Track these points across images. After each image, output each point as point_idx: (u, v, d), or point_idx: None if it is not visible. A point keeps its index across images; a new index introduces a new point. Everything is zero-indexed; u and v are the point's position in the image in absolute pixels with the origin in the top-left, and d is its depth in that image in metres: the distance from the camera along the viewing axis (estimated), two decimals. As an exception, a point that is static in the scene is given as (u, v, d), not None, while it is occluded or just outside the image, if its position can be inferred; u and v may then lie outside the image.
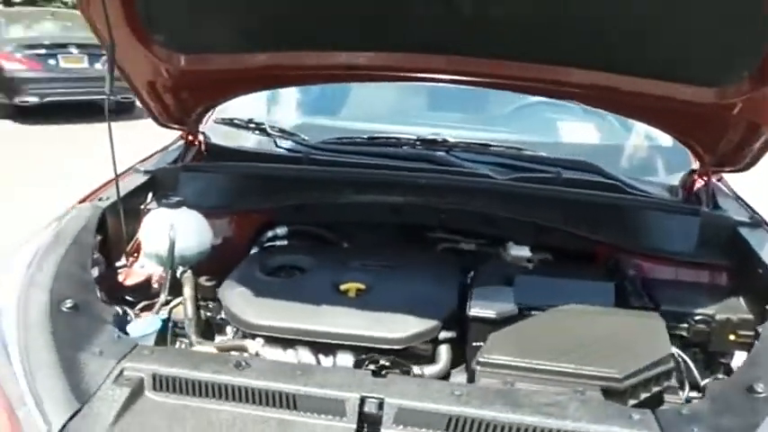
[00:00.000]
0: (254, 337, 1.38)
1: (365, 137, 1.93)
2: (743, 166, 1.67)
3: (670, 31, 1.35)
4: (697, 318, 1.39)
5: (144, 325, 1.32)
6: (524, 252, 1.70)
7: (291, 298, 1.42)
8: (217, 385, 1.08)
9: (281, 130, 1.97)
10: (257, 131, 1.99)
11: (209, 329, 1.53)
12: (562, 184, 1.72)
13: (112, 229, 1.61)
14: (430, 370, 1.34)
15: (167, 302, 1.51)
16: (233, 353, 1.36)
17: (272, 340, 1.37)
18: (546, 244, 1.72)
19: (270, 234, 1.85)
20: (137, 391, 1.06)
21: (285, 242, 1.85)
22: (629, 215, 1.69)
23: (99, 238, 1.53)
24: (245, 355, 1.34)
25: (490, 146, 1.87)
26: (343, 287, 1.51)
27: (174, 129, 1.96)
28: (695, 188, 1.76)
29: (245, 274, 1.54)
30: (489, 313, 1.32)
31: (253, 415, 1.05)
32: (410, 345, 1.34)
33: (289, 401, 1.06)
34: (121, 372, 1.08)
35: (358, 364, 1.32)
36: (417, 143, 1.88)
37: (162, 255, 1.58)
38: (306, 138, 1.95)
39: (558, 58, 1.50)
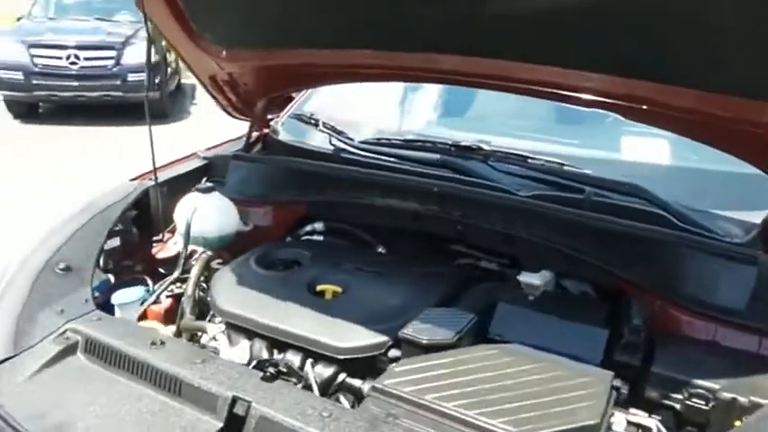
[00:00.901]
0: (215, 319, 1.45)
1: (403, 139, 1.86)
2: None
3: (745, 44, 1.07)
4: (694, 390, 1.11)
5: (127, 294, 1.47)
6: (534, 280, 1.49)
7: (267, 291, 1.45)
8: (129, 359, 1.16)
9: (330, 127, 2.00)
10: (317, 127, 2.06)
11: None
12: (590, 207, 1.48)
13: (155, 207, 1.82)
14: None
15: (180, 280, 1.66)
16: (203, 335, 1.45)
17: (233, 327, 1.42)
18: (566, 273, 1.50)
19: (308, 228, 1.91)
20: (68, 351, 1.20)
21: (321, 237, 1.90)
22: (663, 252, 1.38)
23: (134, 212, 1.74)
24: (206, 337, 1.42)
25: (528, 158, 1.67)
26: (320, 287, 1.50)
27: (242, 120, 2.11)
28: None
29: (241, 262, 1.62)
30: (420, 337, 1.20)
31: (146, 393, 1.11)
32: (353, 356, 1.28)
33: (176, 387, 1.10)
34: (65, 332, 1.23)
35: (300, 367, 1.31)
36: (452, 149, 1.76)
37: (198, 234, 1.73)
38: (350, 136, 1.95)
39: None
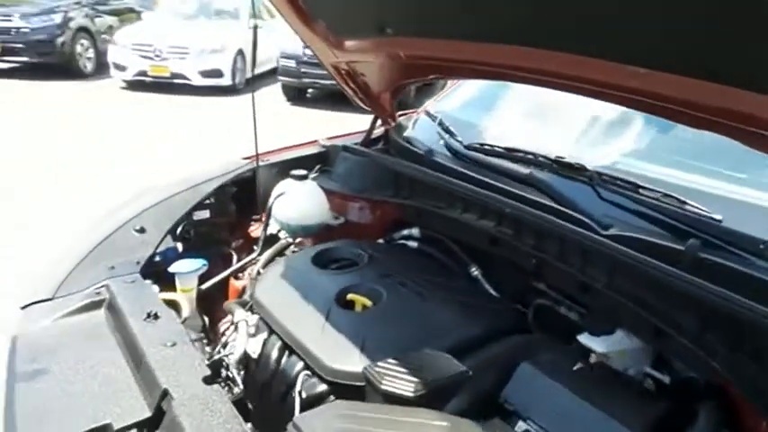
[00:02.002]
0: (250, 307, 1.43)
1: (505, 147, 1.57)
2: None
3: None
4: None
5: (185, 265, 1.53)
6: (594, 345, 1.14)
7: (299, 290, 1.39)
8: (122, 325, 1.21)
9: (445, 127, 1.80)
10: (430, 124, 1.89)
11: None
12: (690, 265, 1.05)
13: (262, 186, 1.88)
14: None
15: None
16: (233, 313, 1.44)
17: (259, 318, 1.39)
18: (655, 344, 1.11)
19: (404, 232, 1.79)
20: (93, 306, 1.30)
21: (415, 243, 1.76)
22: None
23: (234, 189, 1.82)
24: (235, 316, 1.41)
25: (640, 187, 1.25)
26: (350, 297, 1.37)
27: (368, 112, 2.05)
28: None
29: (299, 255, 1.57)
30: (379, 380, 0.99)
31: (120, 362, 1.14)
32: (337, 380, 1.14)
33: (139, 364, 1.11)
34: (101, 288, 1.34)
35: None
36: (554, 165, 1.43)
37: (276, 218, 1.76)
38: (460, 137, 1.73)
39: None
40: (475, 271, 1.58)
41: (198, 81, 8.66)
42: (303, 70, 7.97)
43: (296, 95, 8.67)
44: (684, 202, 1.18)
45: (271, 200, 1.72)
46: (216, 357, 1.12)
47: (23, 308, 1.29)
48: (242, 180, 1.85)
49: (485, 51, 1.32)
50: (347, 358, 1.15)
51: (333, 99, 8.08)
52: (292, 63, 8.04)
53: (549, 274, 1.32)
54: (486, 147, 1.62)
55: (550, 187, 1.37)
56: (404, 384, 0.98)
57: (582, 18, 0.96)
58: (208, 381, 1.03)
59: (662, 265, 1.06)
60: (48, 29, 9.53)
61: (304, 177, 1.77)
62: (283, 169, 1.88)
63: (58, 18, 9.67)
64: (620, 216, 1.26)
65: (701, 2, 0.77)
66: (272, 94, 8.80)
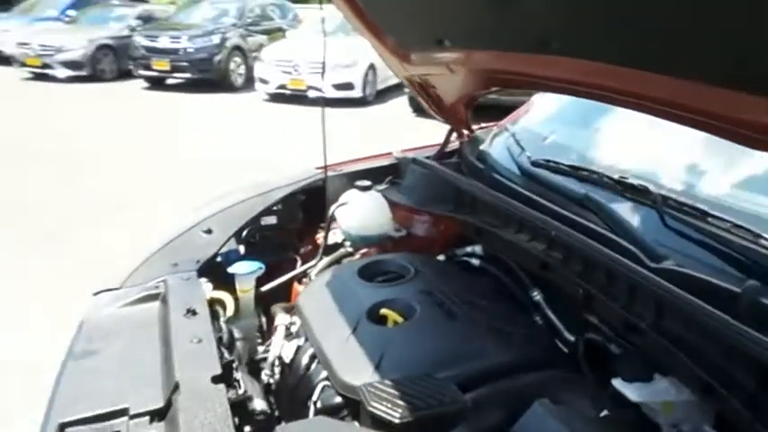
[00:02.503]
0: (289, 311, 1.46)
1: (569, 164, 1.45)
2: None
3: None
4: None
5: (242, 267, 1.61)
6: (627, 391, 1.01)
7: (336, 299, 1.40)
8: (166, 318, 1.30)
9: (517, 141, 1.72)
10: (506, 137, 1.81)
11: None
12: (747, 311, 0.89)
13: (332, 195, 1.92)
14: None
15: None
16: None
17: (297, 321, 1.42)
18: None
19: (468, 249, 1.74)
20: (150, 298, 1.41)
21: (477, 261, 1.71)
22: None
23: (303, 197, 1.88)
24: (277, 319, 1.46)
25: (710, 215, 1.09)
26: (383, 311, 1.35)
27: (445, 123, 2.02)
28: None
29: (347, 265, 1.58)
30: (367, 400, 0.96)
31: (153, 354, 1.23)
32: (346, 394, 1.14)
33: (168, 357, 1.18)
34: (160, 282, 1.46)
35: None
36: (618, 186, 1.29)
37: (340, 227, 1.79)
38: (528, 153, 1.64)
39: None
40: (537, 295, 1.49)
41: (331, 93, 9.09)
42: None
43: (420, 107, 8.76)
44: (760, 236, 1.01)
45: (332, 209, 1.76)
46: (228, 359, 1.17)
47: (94, 294, 1.45)
48: (311, 189, 1.91)
49: (541, 64, 1.25)
50: (359, 373, 1.14)
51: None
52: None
53: (597, 306, 1.20)
54: (552, 163, 1.52)
55: (606, 210, 1.25)
56: (392, 409, 0.95)
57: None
58: (216, 380, 1.08)
59: (708, 308, 0.92)
60: (208, 48, 10.64)
61: (368, 188, 1.79)
62: (353, 179, 1.91)
63: (216, 39, 10.75)
64: (680, 247, 1.12)
65: None
66: (400, 105, 9.01)
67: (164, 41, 10.82)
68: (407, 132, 7.33)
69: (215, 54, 10.60)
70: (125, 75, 11.55)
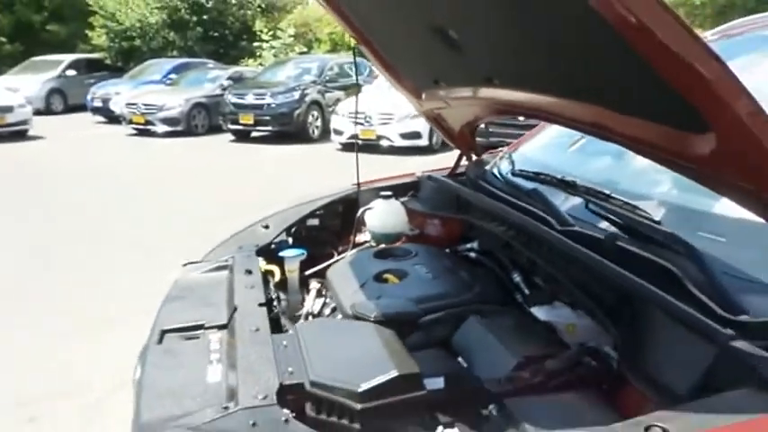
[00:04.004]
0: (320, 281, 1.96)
1: (533, 171, 1.89)
2: None
3: None
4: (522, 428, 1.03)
5: (290, 251, 2.13)
6: (539, 313, 1.42)
7: (355, 269, 1.89)
8: (231, 276, 1.83)
9: (510, 159, 2.17)
10: (503, 158, 2.27)
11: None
12: (609, 251, 1.29)
13: (362, 205, 2.43)
14: None
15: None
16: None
17: (322, 285, 1.92)
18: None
19: (467, 246, 2.18)
20: (223, 267, 1.95)
21: (473, 254, 2.14)
22: (640, 311, 1.12)
23: (341, 206, 2.40)
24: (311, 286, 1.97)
25: (610, 197, 1.50)
26: (386, 276, 1.82)
27: (456, 149, 2.49)
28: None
29: (365, 251, 2.07)
30: (363, 312, 1.44)
31: (222, 296, 1.75)
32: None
33: (231, 295, 1.70)
34: (230, 258, 2.00)
35: None
36: (559, 182, 1.72)
37: (367, 228, 2.29)
38: (514, 167, 2.09)
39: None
40: (517, 277, 1.89)
41: (399, 142, 9.79)
42: (491, 129, 8.51)
43: (481, 152, 9.22)
44: (636, 207, 1.42)
45: (359, 213, 2.27)
46: (270, 297, 1.67)
47: (184, 265, 2.01)
48: (347, 199, 2.42)
49: (491, 94, 1.73)
50: (362, 307, 1.60)
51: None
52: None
53: (538, 269, 1.61)
54: (524, 171, 1.96)
55: (544, 198, 1.68)
56: (368, 313, 1.42)
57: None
58: (261, 305, 1.59)
59: (583, 249, 1.33)
60: (289, 104, 11.73)
61: (389, 197, 2.28)
62: (378, 193, 2.41)
63: (297, 95, 11.84)
64: (593, 220, 1.52)
65: None
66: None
67: (249, 98, 12.04)
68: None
69: (295, 108, 11.66)
70: (215, 129, 12.86)
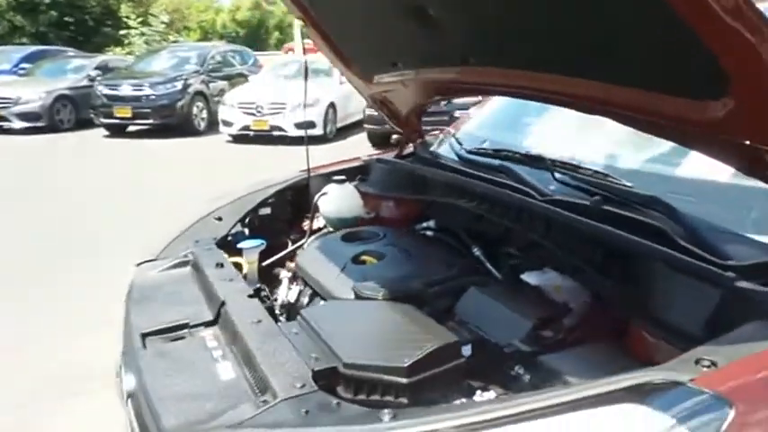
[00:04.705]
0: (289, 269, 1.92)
1: (493, 149, 1.98)
2: None
3: None
4: (558, 382, 1.12)
5: (249, 243, 2.05)
6: (530, 279, 1.50)
7: (327, 255, 1.86)
8: (200, 270, 1.73)
9: (456, 138, 2.24)
10: (449, 139, 2.34)
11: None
12: (596, 215, 1.40)
13: (313, 191, 2.39)
14: None
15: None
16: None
17: (295, 275, 1.87)
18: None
19: (424, 225, 2.22)
20: (183, 264, 1.84)
21: (431, 233, 2.19)
22: (637, 264, 1.24)
23: (290, 193, 2.34)
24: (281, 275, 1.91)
25: (579, 168, 1.62)
26: (363, 258, 1.82)
27: (400, 131, 2.53)
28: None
29: (332, 235, 2.05)
30: (365, 291, 1.43)
31: (196, 292, 1.65)
32: None
33: (209, 291, 1.61)
34: (188, 253, 1.88)
35: None
36: (524, 157, 1.82)
37: (321, 213, 2.26)
38: (465, 146, 2.16)
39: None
40: (477, 251, 1.97)
41: (293, 132, 9.61)
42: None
43: (380, 141, 9.35)
44: (607, 175, 1.54)
45: (315, 198, 2.23)
46: (256, 287, 1.61)
47: (137, 265, 1.86)
48: (297, 187, 2.37)
49: (467, 74, 1.78)
50: (343, 292, 1.58)
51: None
52: (375, 112, 8.76)
53: (513, 236, 1.70)
54: (481, 149, 2.04)
55: (515, 173, 1.76)
56: (375, 292, 1.42)
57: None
58: (251, 296, 1.52)
59: (573, 216, 1.43)
60: (170, 95, 11.05)
61: (343, 181, 2.27)
62: (329, 178, 2.38)
63: (179, 85, 11.19)
64: (564, 190, 1.63)
65: None
66: (359, 141, 9.59)
67: (125, 89, 11.18)
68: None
69: (177, 100, 11.02)
70: (84, 124, 11.81)
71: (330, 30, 2.12)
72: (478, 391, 1.16)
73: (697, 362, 0.90)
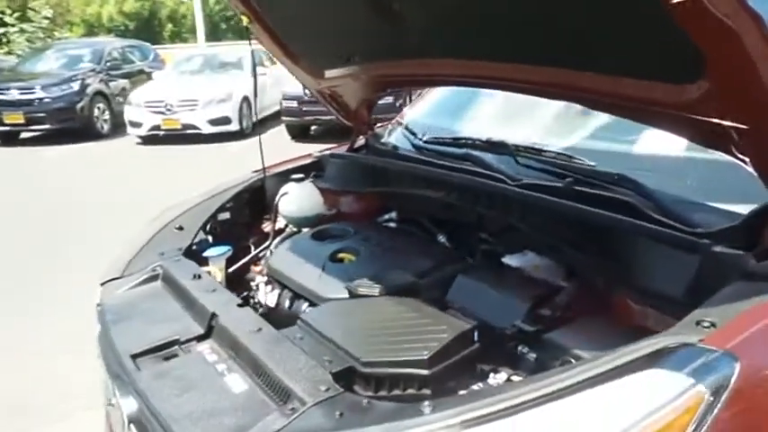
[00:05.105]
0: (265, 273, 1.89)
1: (451, 137, 2.05)
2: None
3: None
4: (567, 357, 1.19)
5: (215, 250, 2.00)
6: (512, 261, 1.59)
7: (302, 256, 1.85)
8: (176, 284, 1.67)
9: (409, 129, 2.29)
10: (400, 129, 2.39)
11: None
12: (570, 196, 1.50)
13: (269, 192, 2.35)
14: None
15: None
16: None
17: (271, 279, 1.85)
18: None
19: (386, 216, 2.25)
20: (152, 279, 1.76)
21: (394, 224, 2.22)
22: (614, 238, 1.35)
23: (247, 195, 2.30)
24: (256, 280, 1.88)
25: (542, 151, 1.72)
26: (340, 255, 1.83)
27: (350, 126, 2.54)
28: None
29: (301, 235, 2.04)
30: (355, 288, 1.46)
31: (176, 307, 1.60)
32: None
33: (191, 304, 1.56)
34: (156, 266, 1.81)
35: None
36: (486, 144, 1.90)
37: (282, 214, 2.23)
38: (419, 136, 2.21)
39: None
40: (442, 238, 2.03)
41: (207, 129, 9.31)
42: (305, 109, 8.58)
43: (299, 133, 9.27)
44: (571, 157, 1.64)
45: (276, 199, 2.20)
46: (243, 296, 1.58)
47: (102, 284, 1.76)
48: (253, 188, 2.32)
49: (422, 65, 1.82)
50: (332, 291, 1.59)
51: (334, 133, 8.58)
52: (294, 103, 8.67)
53: (486, 222, 1.77)
54: (439, 138, 2.10)
55: (482, 160, 1.83)
56: (370, 289, 1.44)
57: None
58: (240, 305, 1.49)
59: (548, 198, 1.51)
60: (67, 96, 10.32)
61: (302, 180, 2.25)
62: (285, 177, 2.35)
63: (76, 86, 10.47)
64: (531, 174, 1.72)
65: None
66: (277, 134, 9.42)
67: (14, 93, 10.30)
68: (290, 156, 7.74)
69: (76, 102, 10.32)
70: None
71: (278, 26, 2.08)
72: (491, 375, 1.22)
73: (698, 323, 1.00)
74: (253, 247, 2.21)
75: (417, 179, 2.01)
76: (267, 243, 2.17)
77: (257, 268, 2.12)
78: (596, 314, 1.32)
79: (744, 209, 1.28)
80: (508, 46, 1.48)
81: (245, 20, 2.08)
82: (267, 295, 1.82)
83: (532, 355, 1.26)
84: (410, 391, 1.15)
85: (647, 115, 1.27)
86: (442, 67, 1.79)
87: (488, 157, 1.84)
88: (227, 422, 1.12)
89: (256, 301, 1.84)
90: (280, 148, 8.69)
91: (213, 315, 1.46)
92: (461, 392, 1.17)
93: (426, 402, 0.98)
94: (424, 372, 1.14)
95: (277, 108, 9.80)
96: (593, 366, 0.94)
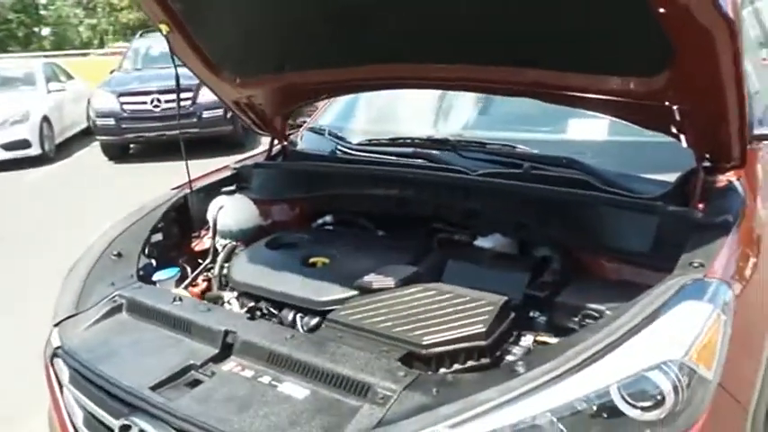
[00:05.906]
0: (232, 289, 1.82)
1: (388, 138, 2.19)
2: (733, 160, 1.46)
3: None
4: (586, 312, 1.36)
5: (164, 273, 1.87)
6: (485, 243, 1.78)
7: (270, 265, 1.81)
8: (156, 311, 1.55)
9: (334, 134, 2.36)
10: (324, 136, 2.44)
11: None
12: (529, 179, 1.73)
13: (194, 209, 2.24)
14: None
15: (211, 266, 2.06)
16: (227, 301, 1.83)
17: (244, 294, 1.79)
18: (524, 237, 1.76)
19: (320, 221, 2.27)
20: (115, 310, 1.60)
21: (331, 228, 2.25)
22: (581, 210, 1.62)
23: (174, 214, 2.16)
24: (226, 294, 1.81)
25: (486, 144, 1.95)
26: (312, 260, 1.84)
27: (265, 135, 2.52)
28: (695, 185, 1.55)
29: (254, 246, 1.99)
30: (369, 283, 1.53)
31: (166, 333, 1.49)
32: (330, 308, 1.60)
33: (187, 327, 1.47)
34: (114, 297, 1.64)
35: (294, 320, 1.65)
36: (428, 142, 2.06)
37: (220, 228, 2.14)
38: (348, 140, 2.30)
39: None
40: (381, 233, 2.13)
41: (2, 155, 8.06)
42: (124, 126, 7.89)
43: (118, 153, 8.48)
44: (514, 147, 1.88)
45: (212, 214, 2.10)
46: (251, 305, 1.53)
47: (56, 324, 1.55)
48: (178, 206, 2.19)
49: (354, 72, 1.91)
50: (329, 293, 1.61)
51: (158, 150, 7.99)
52: (111, 121, 7.90)
53: (443, 212, 1.93)
54: (374, 141, 2.21)
55: (430, 156, 1.99)
56: (383, 282, 1.52)
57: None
58: (250, 318, 1.45)
59: (514, 182, 1.73)
60: None
61: (232, 192, 2.18)
62: (208, 192, 2.26)
63: None
64: (482, 165, 1.91)
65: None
66: (91, 155, 8.51)
67: None
68: (113, 183, 6.99)
69: None
70: None
71: (201, 35, 2.00)
72: (522, 338, 1.38)
73: (691, 264, 1.27)
74: (188, 269, 2.09)
75: (364, 179, 2.08)
76: (206, 262, 2.07)
77: (196, 289, 2.01)
78: (582, 277, 1.55)
79: (667, 177, 1.63)
80: (462, 47, 1.64)
81: (163, 28, 1.97)
82: (244, 309, 1.76)
83: (543, 318, 1.45)
84: (471, 362, 1.26)
85: (602, 105, 1.54)
86: (383, 71, 1.89)
87: (434, 153, 2.00)
88: (314, 427, 1.12)
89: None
90: (99, 170, 7.88)
91: (227, 332, 1.40)
92: (512, 354, 1.31)
93: (519, 362, 1.10)
94: (483, 342, 1.26)
95: (84, 126, 8.85)
96: (641, 310, 1.15)
